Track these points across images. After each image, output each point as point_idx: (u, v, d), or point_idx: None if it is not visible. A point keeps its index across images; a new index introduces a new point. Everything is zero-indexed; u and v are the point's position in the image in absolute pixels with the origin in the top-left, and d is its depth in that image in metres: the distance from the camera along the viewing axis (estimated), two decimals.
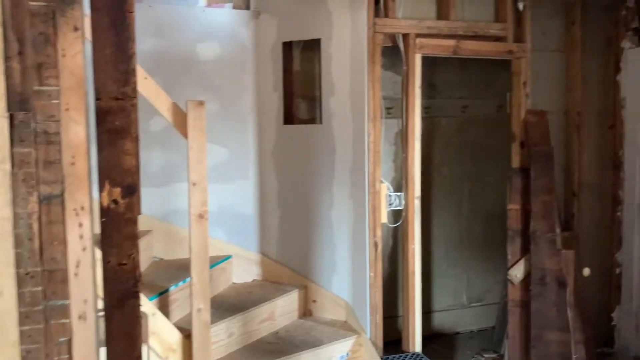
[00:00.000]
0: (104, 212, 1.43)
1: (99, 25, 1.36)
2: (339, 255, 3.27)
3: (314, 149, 3.34)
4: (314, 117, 3.58)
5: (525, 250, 3.17)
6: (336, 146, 3.26)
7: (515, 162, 3.38)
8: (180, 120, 2.32)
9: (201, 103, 2.33)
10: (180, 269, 3.02)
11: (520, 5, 3.25)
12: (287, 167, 3.43)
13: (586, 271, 3.43)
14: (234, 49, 3.42)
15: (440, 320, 4.13)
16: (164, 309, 2.73)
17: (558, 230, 3.14)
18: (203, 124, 2.34)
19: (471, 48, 3.19)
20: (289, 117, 3.48)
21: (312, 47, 3.45)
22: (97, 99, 1.39)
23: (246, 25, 3.43)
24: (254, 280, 3.50)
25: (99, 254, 1.49)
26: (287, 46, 3.43)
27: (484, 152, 4.10)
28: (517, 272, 3.14)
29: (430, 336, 3.98)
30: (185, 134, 2.32)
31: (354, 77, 3.13)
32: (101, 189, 1.42)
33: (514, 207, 3.22)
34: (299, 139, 3.41)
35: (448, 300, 4.15)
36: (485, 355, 3.78)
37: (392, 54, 3.57)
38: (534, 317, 3.03)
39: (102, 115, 1.40)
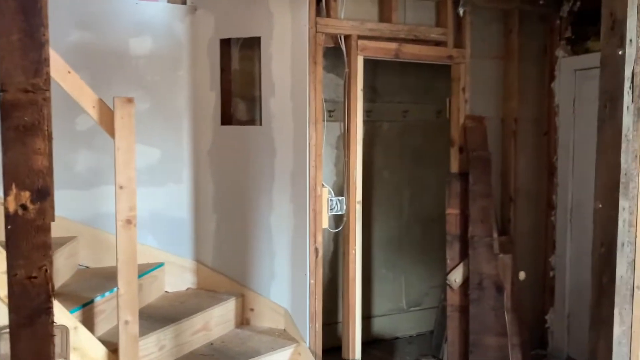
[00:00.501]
0: (10, 218, 1.26)
1: (4, 7, 1.20)
2: (278, 261, 3.16)
3: (253, 152, 3.22)
4: (253, 119, 3.46)
5: (463, 255, 3.17)
6: (276, 149, 3.16)
7: (454, 166, 3.39)
8: (107, 119, 2.15)
9: (130, 100, 2.16)
10: (108, 278, 2.82)
11: (460, 11, 3.27)
12: (224, 170, 3.29)
13: (522, 275, 3.48)
14: (169, 44, 3.25)
15: (380, 326, 4.10)
16: (89, 321, 2.53)
17: (495, 234, 3.17)
18: (132, 122, 2.17)
19: (412, 52, 3.17)
20: (227, 118, 3.34)
21: (252, 45, 3.33)
22: (2, 90, 1.22)
23: (182, 20, 3.26)
24: (188, 289, 3.33)
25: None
26: (225, 43, 3.30)
27: (424, 157, 4.12)
28: (456, 277, 3.14)
29: (370, 342, 3.94)
30: (112, 134, 2.14)
31: (295, 77, 3.03)
32: (6, 192, 1.25)
33: (452, 211, 3.22)
34: (237, 141, 3.28)
35: (387, 305, 4.13)
36: (422, 359, 3.77)
37: (333, 56, 3.51)
38: (472, 322, 3.03)
39: (8, 110, 1.24)
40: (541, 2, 3.50)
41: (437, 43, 3.29)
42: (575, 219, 3.62)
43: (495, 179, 3.44)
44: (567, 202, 3.64)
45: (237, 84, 3.44)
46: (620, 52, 1.66)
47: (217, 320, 3.06)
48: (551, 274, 3.75)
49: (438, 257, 4.02)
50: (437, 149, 4.08)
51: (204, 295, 3.24)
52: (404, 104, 4.00)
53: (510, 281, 3.13)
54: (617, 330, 1.72)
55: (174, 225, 3.33)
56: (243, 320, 3.24)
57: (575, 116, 3.58)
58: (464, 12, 3.27)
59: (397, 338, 4.12)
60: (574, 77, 3.56)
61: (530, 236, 3.79)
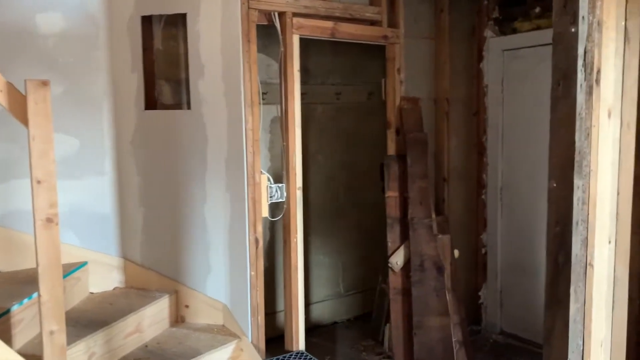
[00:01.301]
0: None
1: None
2: (214, 254, 2.99)
3: (182, 138, 3.00)
4: (180, 102, 3.22)
5: (404, 238, 3.15)
6: (208, 134, 2.96)
7: (391, 149, 3.35)
8: (18, 104, 1.87)
9: (45, 83, 1.90)
10: (25, 283, 2.53)
11: None
12: (150, 159, 3.05)
13: (456, 253, 3.53)
14: (83, 22, 2.94)
15: (319, 312, 4.03)
16: (4, 334, 2.25)
17: (434, 215, 3.17)
18: (48, 108, 1.91)
19: (349, 31, 3.07)
20: (151, 102, 3.09)
21: (176, 22, 3.09)
22: None
23: None
24: (115, 289, 3.08)
25: None
26: (147, 21, 3.04)
27: (358, 140, 4.06)
28: (398, 260, 3.12)
29: (310, 329, 3.87)
30: (25, 121, 1.87)
31: (227, 57, 2.84)
32: None
33: (392, 194, 3.19)
34: (164, 127, 3.04)
35: (325, 291, 4.06)
36: (364, 343, 3.75)
37: (263, 35, 3.33)
38: (415, 304, 3.03)
39: None
40: None
41: (372, 22, 3.21)
42: (505, 197, 3.71)
43: (429, 160, 3.44)
44: (497, 181, 3.72)
45: (161, 65, 3.19)
46: (572, 30, 1.65)
47: (150, 320, 2.85)
48: (483, 251, 3.84)
49: (374, 240, 4.01)
50: (371, 132, 4.04)
51: (134, 295, 3.00)
52: (336, 86, 3.91)
53: (449, 261, 3.16)
54: (572, 307, 1.74)
55: (97, 221, 3.05)
56: (178, 318, 3.04)
57: (503, 96, 3.66)
58: None
59: (335, 323, 4.08)
60: (502, 57, 3.62)
61: (463, 215, 3.86)
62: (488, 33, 3.66)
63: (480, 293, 3.87)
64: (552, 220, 1.77)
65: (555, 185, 1.75)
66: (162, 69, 3.20)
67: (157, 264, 3.07)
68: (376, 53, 3.90)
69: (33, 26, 2.81)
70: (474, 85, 3.77)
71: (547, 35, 3.42)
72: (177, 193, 3.03)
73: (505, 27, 3.59)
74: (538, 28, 3.38)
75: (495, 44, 3.64)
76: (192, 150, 2.98)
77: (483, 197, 3.80)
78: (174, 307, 3.02)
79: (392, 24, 3.28)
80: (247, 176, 2.81)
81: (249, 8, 2.74)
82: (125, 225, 3.12)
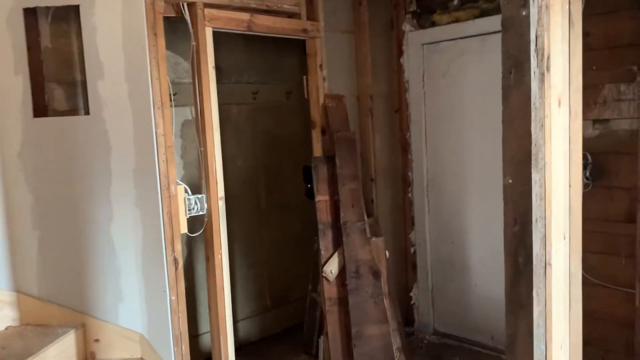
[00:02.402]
0: None
1: None
2: (126, 279, 2.62)
3: (81, 148, 2.61)
4: (76, 107, 2.81)
5: (337, 244, 2.96)
6: (112, 142, 2.59)
7: (317, 150, 3.15)
8: None
9: None
10: None
11: None
12: (44, 174, 2.62)
13: (386, 254, 3.40)
14: None
15: (247, 328, 3.75)
16: None
17: (366, 218, 3.01)
18: None
19: (266, 24, 2.82)
20: (41, 108, 2.66)
21: (68, 16, 2.69)
22: None
23: None
24: (8, 328, 2.62)
25: None
26: (31, 14, 2.61)
27: (279, 141, 3.83)
28: (332, 268, 2.92)
29: (238, 347, 3.57)
30: None
31: (130, 54, 2.49)
32: None
33: (322, 198, 2.98)
34: (57, 136, 2.63)
35: (252, 306, 3.79)
36: (297, 358, 3.52)
37: (170, 31, 3.01)
38: (352, 313, 2.84)
39: None
40: None
41: (290, 15, 2.98)
42: (431, 193, 3.64)
43: (358, 160, 3.27)
44: (422, 178, 3.64)
45: (50, 65, 2.76)
46: (524, 13, 1.53)
47: None
48: (412, 250, 3.75)
49: (300, 246, 3.80)
50: (291, 132, 3.83)
51: (31, 333, 2.57)
52: (253, 85, 3.65)
53: (384, 265, 3.01)
54: (535, 311, 1.62)
55: None
56: (87, 356, 2.65)
57: (425, 91, 3.58)
58: None
59: (264, 338, 3.81)
60: (421, 51, 3.54)
61: (390, 215, 3.75)
62: (406, 27, 3.56)
63: (411, 294, 3.77)
64: (509, 218, 1.64)
65: (511, 181, 1.62)
66: (53, 70, 2.78)
67: (58, 295, 2.65)
68: (294, 49, 3.69)
69: None
70: (395, 81, 3.66)
71: (466, 27, 3.41)
72: (78, 211, 2.63)
73: (423, 20, 3.51)
74: (457, 21, 3.33)
75: (414, 38, 3.55)
76: (93, 161, 2.60)
77: (409, 195, 3.71)
78: (81, 343, 2.62)
79: (312, 16, 3.08)
80: (161, 188, 2.48)
81: None
82: (16, 252, 2.66)
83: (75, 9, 2.56)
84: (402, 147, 3.70)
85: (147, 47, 2.42)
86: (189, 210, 2.60)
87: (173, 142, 2.54)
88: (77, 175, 2.62)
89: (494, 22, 3.14)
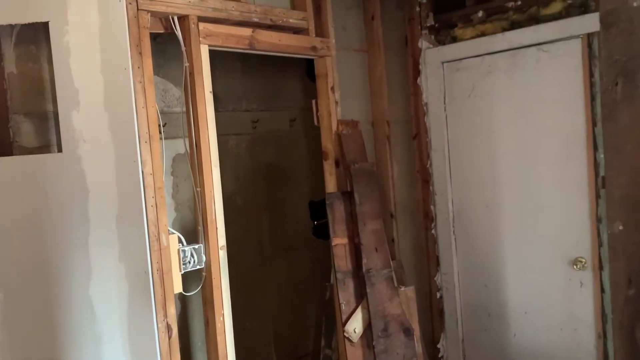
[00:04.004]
0: None
1: None
2: (107, 349, 2.15)
3: (52, 192, 2.16)
4: (49, 144, 2.37)
5: (360, 296, 2.51)
6: (89, 184, 2.15)
7: (331, 184, 2.72)
8: None
9: None
10: None
11: None
12: (6, 223, 2.16)
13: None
14: None
15: None
16: None
17: (392, 263, 2.57)
18: None
19: (271, 41, 2.42)
20: (4, 145, 2.22)
21: (36, 36, 2.27)
22: None
23: None
24: None
25: None
26: None
27: (281, 175, 3.40)
28: (355, 326, 2.46)
29: None
30: None
31: (110, 77, 2.07)
32: None
33: (340, 241, 2.54)
34: (23, 178, 2.19)
35: None
36: None
37: (158, 51, 2.61)
38: None
39: None
40: None
41: (297, 30, 2.59)
42: (458, 230, 3.21)
43: (379, 195, 2.85)
44: (447, 213, 3.21)
45: (17, 94, 2.34)
46: (635, 4, 1.14)
47: None
48: (438, 294, 3.30)
49: (309, 292, 3.35)
50: (295, 164, 3.41)
51: None
52: (252, 112, 3.23)
53: (416, 319, 2.55)
54: None
55: None
56: None
57: (447, 114, 3.18)
58: None
59: None
60: (441, 70, 3.16)
61: (412, 254, 3.31)
62: (423, 44, 3.18)
63: (439, 345, 3.31)
64: (620, 278, 1.23)
65: (621, 228, 1.21)
66: (20, 99, 2.35)
67: None
68: (296, 71, 3.31)
69: None
70: (411, 104, 3.26)
71: (493, 42, 3.02)
72: (49, 267, 2.17)
73: (443, 35, 3.14)
74: (482, 34, 2.96)
75: (432, 55, 3.17)
76: (67, 207, 2.15)
77: (432, 231, 3.28)
78: None
79: (321, 32, 2.69)
80: (150, 239, 2.03)
81: (138, 9, 2.00)
82: None
83: (45, 26, 2.14)
84: (422, 177, 3.28)
85: (130, 68, 2.00)
86: (184, 264, 2.14)
87: (163, 183, 2.10)
88: (49, 224, 2.17)
89: (526, 35, 2.77)
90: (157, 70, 2.78)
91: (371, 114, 3.08)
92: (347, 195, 2.62)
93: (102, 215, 2.13)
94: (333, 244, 2.54)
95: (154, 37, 2.58)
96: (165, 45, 2.63)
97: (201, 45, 2.18)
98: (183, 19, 2.17)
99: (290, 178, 3.40)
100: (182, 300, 2.87)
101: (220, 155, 3.14)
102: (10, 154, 2.26)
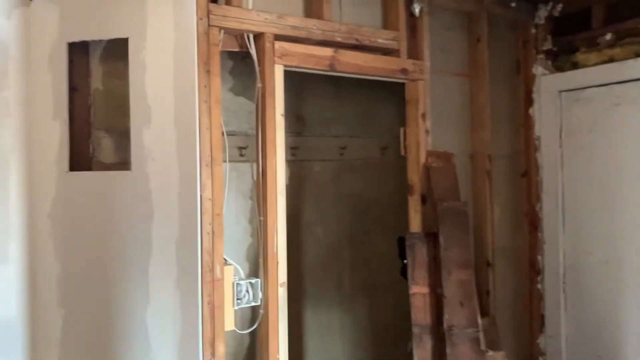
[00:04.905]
0: None
1: None
2: None
3: (119, 210, 2.12)
4: (126, 160, 2.35)
5: (439, 356, 2.17)
6: (155, 205, 2.08)
7: (415, 223, 2.43)
8: None
9: None
10: None
11: (416, 9, 2.38)
12: (76, 241, 2.15)
13: None
14: None
15: None
16: None
17: (480, 321, 2.20)
18: None
19: (354, 62, 2.22)
20: (80, 160, 2.23)
21: (123, 52, 2.27)
22: None
23: (7, 15, 2.14)
24: None
25: None
26: (79, 50, 2.22)
27: (368, 207, 3.15)
28: None
29: None
30: None
31: (180, 96, 2.00)
32: None
33: (418, 290, 2.24)
34: (95, 195, 2.17)
35: None
36: None
37: (243, 72, 2.52)
38: None
39: None
40: (513, 4, 2.69)
41: (386, 51, 2.36)
42: (570, 286, 2.74)
43: (470, 240, 2.50)
44: (557, 265, 2.77)
45: (100, 110, 2.35)
46: None
47: None
48: None
49: (392, 340, 3.03)
50: (384, 196, 3.15)
51: None
52: (340, 138, 3.03)
53: None
54: None
55: None
56: None
57: (563, 151, 2.75)
58: (421, 10, 2.38)
59: None
60: (558, 100, 2.75)
61: (512, 310, 2.87)
62: (538, 69, 2.80)
63: None
64: None
65: None
66: (103, 115, 2.36)
67: None
68: (392, 95, 3.06)
69: None
70: (520, 137, 2.87)
71: (624, 69, 2.56)
72: (110, 288, 2.12)
73: (562, 61, 2.74)
74: (611, 60, 2.53)
75: (548, 83, 2.77)
76: (133, 227, 2.10)
77: (538, 285, 2.82)
78: None
79: (414, 54, 2.44)
80: (202, 269, 1.89)
81: (209, 26, 1.90)
82: (37, 333, 2.18)
83: (126, 42, 2.13)
84: (529, 222, 2.86)
85: (196, 87, 1.90)
86: (239, 299, 1.97)
87: (223, 210, 1.96)
88: (114, 243, 2.12)
89: None
90: (244, 91, 2.71)
91: (469, 146, 2.74)
92: (432, 237, 2.31)
93: (164, 238, 2.05)
94: (411, 292, 2.23)
95: (242, 57, 2.50)
96: (250, 66, 2.54)
97: (275, 65, 2.03)
98: (258, 36, 2.04)
99: (377, 211, 3.14)
100: (239, 338, 2.71)
101: (302, 181, 3.00)
102: (89, 168, 2.26)
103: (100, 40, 2.26)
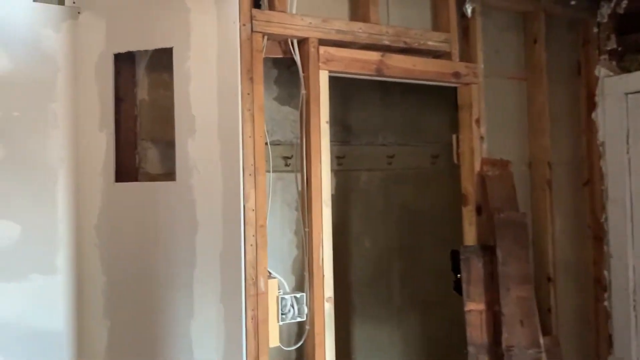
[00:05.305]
0: None
1: None
2: None
3: (164, 221, 2.10)
4: (171, 171, 2.33)
5: None
6: (199, 217, 2.05)
7: (470, 236, 2.29)
8: None
9: None
10: None
11: (468, 9, 2.26)
12: (121, 252, 2.14)
13: None
14: (35, 63, 2.13)
15: None
16: None
17: (542, 341, 2.04)
18: None
19: (403, 66, 2.12)
20: (126, 170, 2.22)
21: (168, 62, 2.26)
22: None
23: (56, 28, 2.17)
24: None
25: None
26: (125, 60, 2.23)
27: (418, 218, 3.02)
28: None
29: None
30: None
31: (224, 105, 1.95)
32: None
33: (474, 307, 2.10)
34: (141, 206, 2.15)
35: None
36: None
37: (288, 80, 2.46)
38: None
39: None
40: (572, 2, 2.52)
41: (437, 54, 2.26)
42: None
43: (530, 253, 2.33)
44: (626, 281, 2.56)
45: (146, 121, 2.34)
46: None
47: None
48: None
49: (444, 357, 2.88)
50: (436, 207, 3.01)
51: None
52: (388, 147, 2.93)
53: None
54: None
55: (41, 340, 2.12)
56: None
57: (630, 157, 2.55)
58: (473, 10, 2.26)
59: None
60: (624, 103, 2.57)
61: (576, 329, 2.67)
62: (601, 71, 2.62)
63: None
64: None
65: None
66: (149, 125, 2.36)
67: None
68: (444, 101, 2.93)
69: None
70: (583, 143, 2.68)
71: None
72: (155, 300, 2.10)
73: (628, 61, 2.56)
74: None
75: (613, 85, 2.59)
76: (177, 239, 2.07)
77: (605, 303, 2.62)
78: None
79: (466, 57, 2.33)
80: (246, 282, 1.83)
81: (252, 32, 1.85)
82: (83, 345, 2.17)
83: (170, 52, 2.11)
84: (593, 234, 2.67)
85: (239, 95, 1.85)
86: (283, 314, 1.89)
87: (266, 221, 1.90)
88: (159, 254, 2.10)
89: None
90: (289, 100, 2.65)
91: (527, 153, 2.59)
92: (489, 251, 2.17)
93: (208, 251, 2.01)
94: (466, 309, 2.10)
95: (287, 65, 2.45)
96: (294, 73, 2.48)
97: (320, 71, 1.97)
98: (303, 42, 1.97)
99: (428, 222, 3.00)
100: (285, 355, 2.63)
101: (349, 191, 2.91)
102: (135, 179, 2.25)
103: (146, 51, 2.26)
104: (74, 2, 2.19)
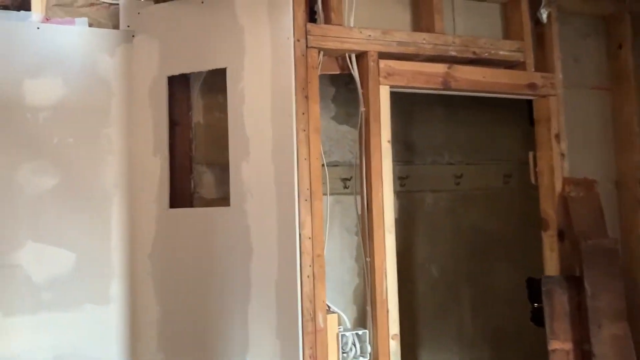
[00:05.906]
0: None
1: None
2: None
3: (219, 249, 2.00)
4: (226, 196, 2.24)
5: None
6: (254, 243, 1.95)
7: (551, 264, 2.06)
8: None
9: None
10: None
11: (543, 15, 2.06)
12: (175, 282, 2.07)
13: None
14: (90, 88, 2.11)
15: None
16: None
17: None
18: None
19: (472, 79, 1.95)
20: (181, 196, 2.16)
21: (222, 84, 2.19)
22: None
23: (111, 52, 2.14)
24: None
25: None
26: (179, 83, 2.18)
27: (490, 242, 2.80)
28: None
29: None
30: None
31: (277, 125, 1.84)
32: None
33: (559, 346, 1.86)
34: (195, 233, 2.08)
35: None
36: None
37: (346, 98, 2.33)
38: None
39: None
40: None
41: (509, 65, 2.06)
42: None
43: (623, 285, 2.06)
44: None
45: (201, 144, 2.28)
46: None
47: None
48: None
49: None
50: (509, 230, 2.79)
51: None
52: (455, 166, 2.74)
53: None
54: None
55: None
56: None
57: None
58: (548, 15, 2.05)
59: None
60: None
61: None
62: None
63: None
64: None
65: None
66: (204, 149, 2.29)
67: None
68: (516, 116, 2.72)
69: (19, 95, 2.02)
70: None
71: None
72: (208, 333, 2.00)
73: None
74: None
75: None
76: (231, 267, 1.97)
77: None
78: None
79: (542, 66, 2.12)
80: (303, 316, 1.69)
81: (307, 47, 1.74)
82: None
83: (224, 73, 2.04)
84: None
85: (294, 115, 1.73)
86: (344, 353, 1.73)
87: (324, 250, 1.75)
88: (213, 285, 2.01)
89: None
90: (347, 119, 2.53)
91: (614, 170, 2.33)
92: (575, 282, 1.92)
93: (263, 280, 1.89)
94: (550, 347, 1.86)
95: (345, 82, 2.33)
96: (353, 91, 2.36)
97: (381, 86, 1.82)
98: (361, 56, 1.84)
99: (500, 247, 2.77)
100: None
101: (413, 214, 2.73)
102: (190, 205, 2.18)
103: (200, 73, 2.19)
104: (128, 26, 2.16)
